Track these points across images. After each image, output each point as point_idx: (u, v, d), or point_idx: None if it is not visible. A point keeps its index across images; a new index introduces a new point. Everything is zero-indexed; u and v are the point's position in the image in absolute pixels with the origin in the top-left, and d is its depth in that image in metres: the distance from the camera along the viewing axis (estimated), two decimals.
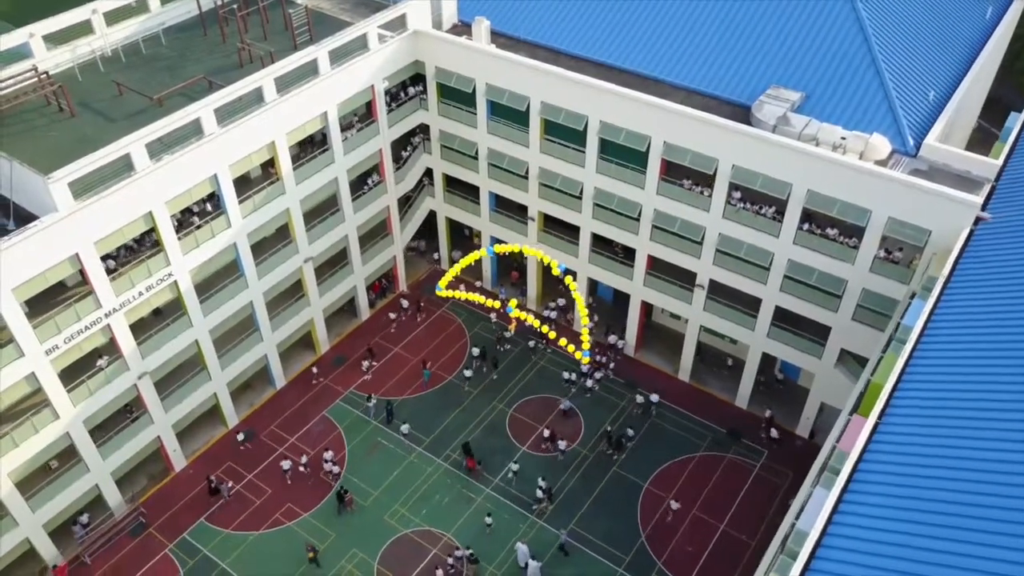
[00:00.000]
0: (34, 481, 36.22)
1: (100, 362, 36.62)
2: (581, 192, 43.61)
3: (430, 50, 44.56)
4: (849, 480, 23.51)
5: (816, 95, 38.64)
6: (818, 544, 21.80)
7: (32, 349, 32.92)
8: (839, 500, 22.95)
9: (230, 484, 41.34)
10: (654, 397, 45.02)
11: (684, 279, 43.61)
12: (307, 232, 43.52)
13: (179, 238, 36.90)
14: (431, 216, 53.20)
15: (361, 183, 46.85)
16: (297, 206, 42.08)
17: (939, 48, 42.05)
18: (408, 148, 49.17)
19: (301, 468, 41.86)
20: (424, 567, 37.98)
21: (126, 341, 36.65)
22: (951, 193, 32.85)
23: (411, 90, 46.76)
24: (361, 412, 45.20)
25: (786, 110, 37.17)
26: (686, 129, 37.84)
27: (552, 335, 36.18)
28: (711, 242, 40.66)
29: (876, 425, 25.13)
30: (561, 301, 50.43)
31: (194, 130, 35.75)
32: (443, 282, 36.16)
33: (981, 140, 56.08)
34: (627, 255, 45.44)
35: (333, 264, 47.24)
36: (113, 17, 43.00)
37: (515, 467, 41.63)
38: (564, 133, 42.44)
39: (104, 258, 35.23)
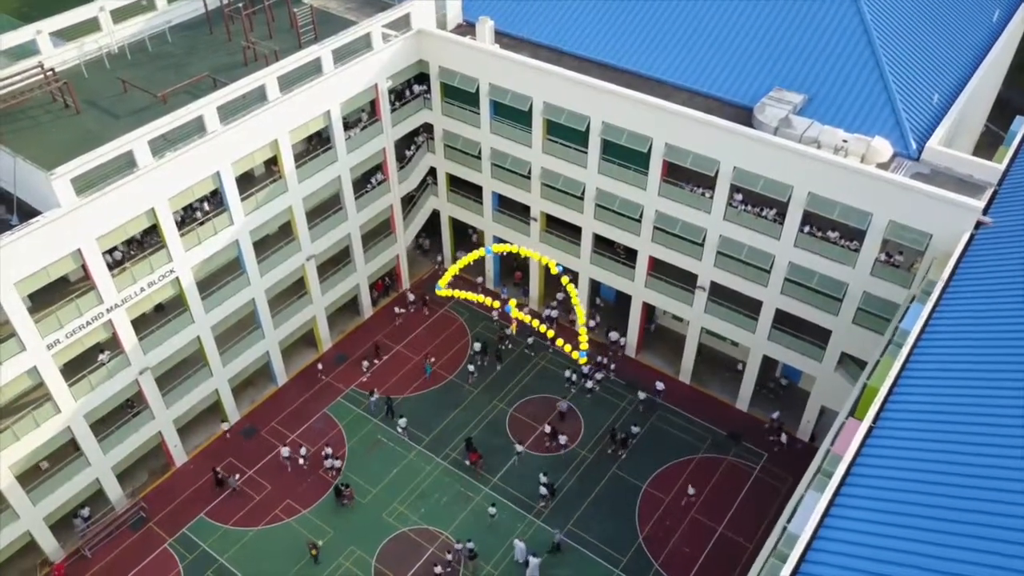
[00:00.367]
0: (35, 474, 36.51)
1: (102, 357, 36.91)
2: (583, 193, 43.62)
3: (434, 50, 44.67)
4: (842, 483, 23.44)
5: (819, 97, 38.50)
6: (808, 547, 21.75)
7: (34, 343, 33.21)
8: (831, 503, 22.89)
9: (237, 476, 41.61)
10: (659, 385, 45.11)
11: (685, 281, 43.57)
12: (310, 230, 43.70)
13: (181, 235, 37.13)
14: (436, 215, 53.35)
15: (365, 181, 47.03)
16: (300, 204, 42.25)
17: (944, 50, 41.78)
18: (412, 147, 49.31)
19: (300, 460, 42.06)
20: (422, 565, 38.10)
21: (128, 336, 36.90)
22: (952, 197, 32.67)
23: (415, 89, 46.90)
24: (362, 410, 45.38)
25: (788, 112, 37.05)
26: (688, 131, 37.80)
27: (551, 334, 36.21)
28: (712, 244, 40.59)
29: (871, 429, 25.05)
30: (562, 297, 50.42)
31: (197, 127, 35.96)
32: (443, 281, 36.29)
33: (989, 143, 55.57)
34: (629, 256, 45.42)
35: (336, 262, 47.40)
36: (120, 15, 43.26)
37: (520, 448, 42.09)
38: (566, 134, 42.46)
39: (111, 250, 35.54)
